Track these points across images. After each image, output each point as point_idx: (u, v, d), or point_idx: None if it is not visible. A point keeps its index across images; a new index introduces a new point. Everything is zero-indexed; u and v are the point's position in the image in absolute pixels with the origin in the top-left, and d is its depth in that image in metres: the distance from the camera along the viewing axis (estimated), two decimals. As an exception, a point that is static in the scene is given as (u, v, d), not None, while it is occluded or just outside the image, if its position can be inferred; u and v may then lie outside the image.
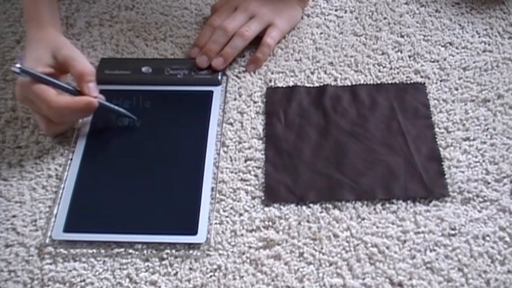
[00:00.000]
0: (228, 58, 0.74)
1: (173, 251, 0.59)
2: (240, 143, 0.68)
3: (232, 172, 0.65)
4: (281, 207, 0.62)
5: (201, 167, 0.65)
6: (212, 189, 0.64)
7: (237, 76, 0.75)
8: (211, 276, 0.58)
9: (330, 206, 0.62)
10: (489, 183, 0.63)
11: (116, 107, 0.68)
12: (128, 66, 0.74)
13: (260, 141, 0.68)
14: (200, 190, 0.63)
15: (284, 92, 0.72)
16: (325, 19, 0.81)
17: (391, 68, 0.74)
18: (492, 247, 0.58)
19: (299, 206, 0.62)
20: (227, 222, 0.62)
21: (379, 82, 0.73)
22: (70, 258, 0.60)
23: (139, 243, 0.60)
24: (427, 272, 0.57)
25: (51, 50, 0.66)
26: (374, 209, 0.62)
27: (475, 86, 0.72)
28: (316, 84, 0.73)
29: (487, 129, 0.68)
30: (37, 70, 0.64)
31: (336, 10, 0.82)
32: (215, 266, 0.58)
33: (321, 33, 0.79)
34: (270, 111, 0.70)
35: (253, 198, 0.63)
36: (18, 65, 0.63)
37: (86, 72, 0.66)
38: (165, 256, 0.59)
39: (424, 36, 0.77)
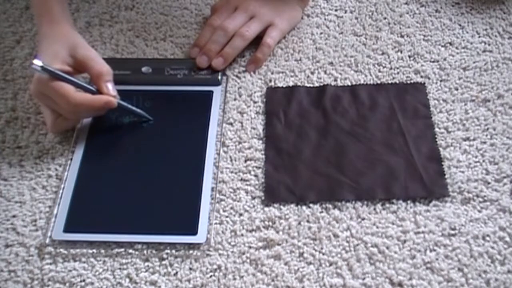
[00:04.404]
0: (228, 58, 0.74)
1: (173, 251, 0.59)
2: (240, 143, 0.68)
3: (232, 172, 0.65)
4: (281, 207, 0.62)
5: (201, 167, 0.65)
6: (212, 189, 0.64)
7: (237, 76, 0.75)
8: (211, 276, 0.58)
9: (330, 206, 0.62)
10: (489, 183, 0.63)
11: (133, 108, 0.68)
12: (128, 66, 0.74)
13: (260, 141, 0.68)
14: (200, 190, 0.63)
15: (284, 92, 0.72)
16: (325, 19, 0.81)
17: (391, 68, 0.74)
18: (492, 247, 0.58)
19: (299, 206, 0.62)
20: (227, 222, 0.62)
21: (379, 82, 0.73)
22: (70, 258, 0.60)
23: (139, 243, 0.60)
24: (427, 272, 0.57)
25: (68, 47, 0.66)
26: (374, 209, 0.62)
27: (475, 86, 0.72)
28: (316, 84, 0.73)
29: (487, 129, 0.68)
30: (55, 67, 0.64)
31: (336, 10, 0.82)
32: (215, 266, 0.58)
33: (321, 33, 0.79)
34: (270, 111, 0.70)
35: (253, 198, 0.63)
36: (40, 64, 0.62)
37: (104, 72, 0.66)
38: (165, 256, 0.59)
39: (424, 36, 0.77)
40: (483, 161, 0.65)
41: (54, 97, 0.64)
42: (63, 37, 0.68)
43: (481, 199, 0.62)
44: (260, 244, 0.60)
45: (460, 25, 0.79)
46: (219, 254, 0.59)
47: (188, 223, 0.61)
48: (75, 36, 0.69)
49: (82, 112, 0.66)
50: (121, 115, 0.69)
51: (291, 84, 0.73)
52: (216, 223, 0.61)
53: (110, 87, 0.66)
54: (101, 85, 0.66)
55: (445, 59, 0.75)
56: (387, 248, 0.59)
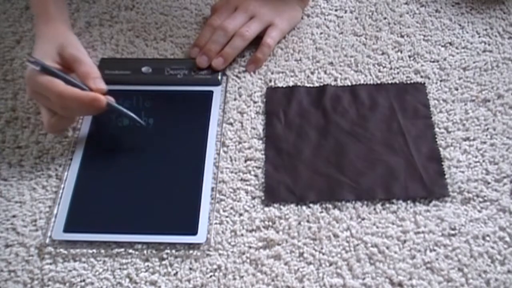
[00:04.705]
0: (228, 58, 0.74)
1: (173, 251, 0.59)
2: (240, 143, 0.68)
3: (232, 172, 0.65)
4: (281, 207, 0.62)
5: (201, 167, 0.65)
6: (212, 189, 0.64)
7: (237, 76, 0.75)
8: (211, 276, 0.58)
9: (330, 206, 0.62)
10: (489, 183, 0.63)
11: (125, 110, 0.67)
12: (128, 66, 0.74)
13: (260, 141, 0.68)
14: (200, 190, 0.63)
15: (284, 92, 0.72)
16: (325, 19, 0.81)
17: (391, 68, 0.74)
18: (492, 247, 0.58)
19: (299, 206, 0.62)
20: (227, 222, 0.62)
21: (379, 82, 0.73)
22: (70, 258, 0.60)
23: (139, 243, 0.60)
24: (427, 272, 0.57)
25: (56, 46, 0.66)
26: (374, 209, 0.62)
27: (475, 86, 0.72)
28: (316, 84, 0.73)
29: (487, 129, 0.68)
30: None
31: (336, 10, 0.82)
32: (215, 266, 0.58)
33: (321, 33, 0.79)
34: (270, 111, 0.70)
35: (253, 198, 0.63)
36: (33, 59, 0.63)
37: (91, 72, 0.66)
38: (165, 256, 0.59)
39: (424, 36, 0.77)
40: (483, 161, 0.65)
41: (44, 92, 0.63)
42: (54, 36, 0.68)
43: (481, 199, 0.62)
44: (260, 244, 0.60)
45: (460, 25, 0.79)
46: (219, 254, 0.59)
47: (188, 223, 0.61)
48: (67, 36, 0.69)
49: (73, 108, 0.64)
50: (121, 115, 0.69)
51: (291, 84, 0.73)
52: (216, 223, 0.61)
53: (98, 81, 0.65)
54: (89, 82, 0.65)
55: (445, 59, 0.75)
56: (387, 248, 0.59)
